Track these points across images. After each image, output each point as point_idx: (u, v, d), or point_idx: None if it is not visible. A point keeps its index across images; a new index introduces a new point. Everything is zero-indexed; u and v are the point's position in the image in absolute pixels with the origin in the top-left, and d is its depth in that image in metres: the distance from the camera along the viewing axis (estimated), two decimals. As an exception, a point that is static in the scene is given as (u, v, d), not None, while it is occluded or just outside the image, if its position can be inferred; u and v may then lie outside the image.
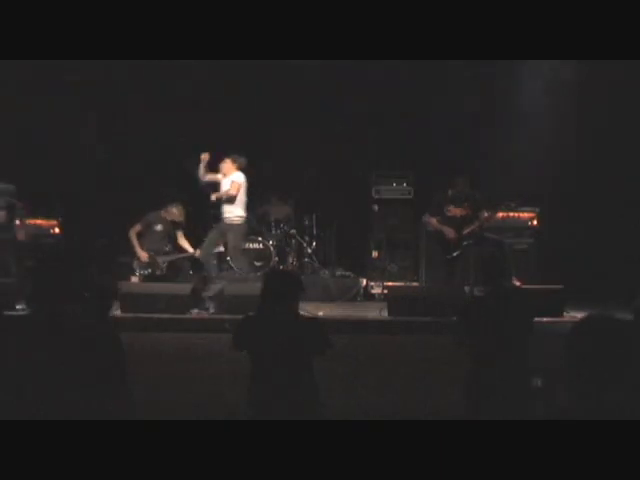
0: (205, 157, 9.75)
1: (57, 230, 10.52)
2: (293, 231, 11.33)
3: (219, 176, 9.89)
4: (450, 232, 9.33)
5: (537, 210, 10.48)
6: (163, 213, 10.08)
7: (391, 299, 9.36)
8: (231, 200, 9.73)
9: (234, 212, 9.78)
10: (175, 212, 10.07)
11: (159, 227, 10.07)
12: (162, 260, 9.99)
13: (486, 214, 9.46)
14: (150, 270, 9.96)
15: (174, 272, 10.03)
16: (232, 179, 9.76)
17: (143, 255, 9.93)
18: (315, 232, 11.49)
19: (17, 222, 10.25)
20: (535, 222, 10.45)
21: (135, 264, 9.94)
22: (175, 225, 10.15)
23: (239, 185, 9.72)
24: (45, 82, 10.78)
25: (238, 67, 10.75)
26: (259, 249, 10.95)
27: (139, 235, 10.04)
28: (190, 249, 10.13)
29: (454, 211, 9.40)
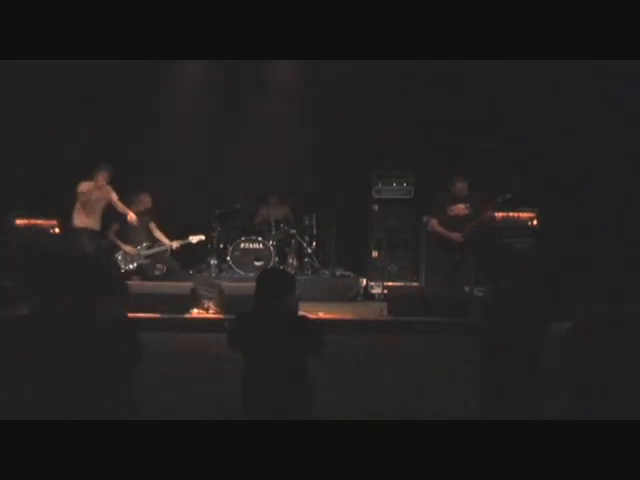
0: None
1: (57, 230, 10.52)
2: (293, 231, 11.33)
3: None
4: (457, 237, 9.32)
5: (537, 210, 10.49)
6: (133, 207, 10.14)
7: (391, 299, 9.36)
8: None
9: None
10: (141, 199, 10.15)
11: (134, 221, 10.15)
12: (144, 254, 10.08)
13: (487, 212, 9.48)
14: (135, 264, 10.05)
15: (167, 272, 10.09)
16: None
17: (130, 250, 10.08)
18: (315, 232, 11.49)
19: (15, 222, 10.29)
20: (535, 222, 10.46)
21: (119, 260, 10.01)
22: (148, 217, 10.22)
23: None
24: (45, 81, 10.78)
25: (238, 66, 10.78)
26: (259, 249, 10.96)
27: (118, 233, 10.17)
28: (166, 241, 10.21)
29: (456, 210, 9.41)
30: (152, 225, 10.28)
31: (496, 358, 4.65)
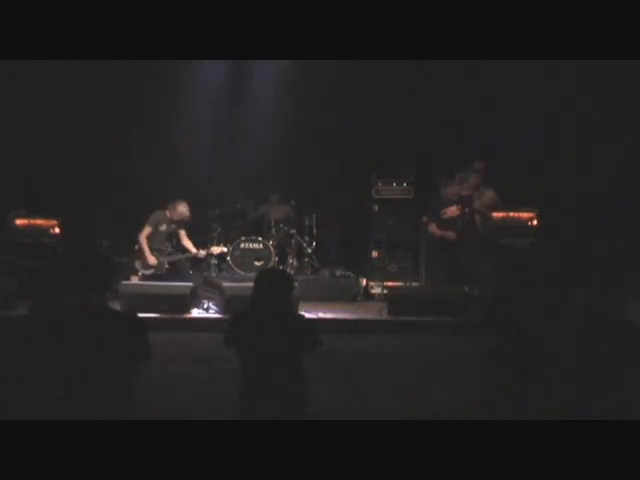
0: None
1: (57, 230, 10.51)
2: (293, 231, 11.33)
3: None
4: (451, 235, 9.34)
5: (537, 210, 10.49)
6: (169, 213, 9.94)
7: (391, 299, 9.36)
8: None
9: None
10: (181, 210, 9.94)
11: (163, 227, 9.97)
12: (164, 260, 9.94)
13: (481, 208, 9.51)
14: (153, 271, 9.91)
15: (174, 272, 10.00)
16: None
17: (152, 260, 9.81)
18: (315, 232, 11.49)
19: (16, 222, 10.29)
20: (535, 222, 10.46)
21: (137, 264, 9.90)
22: (179, 224, 10.03)
23: None
24: (46, 81, 10.78)
25: (239, 66, 10.79)
26: (259, 249, 10.95)
27: (149, 237, 9.89)
28: (193, 249, 10.01)
29: (449, 212, 9.45)
30: (182, 233, 10.07)
31: (500, 356, 4.65)
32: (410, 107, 11.15)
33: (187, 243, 10.11)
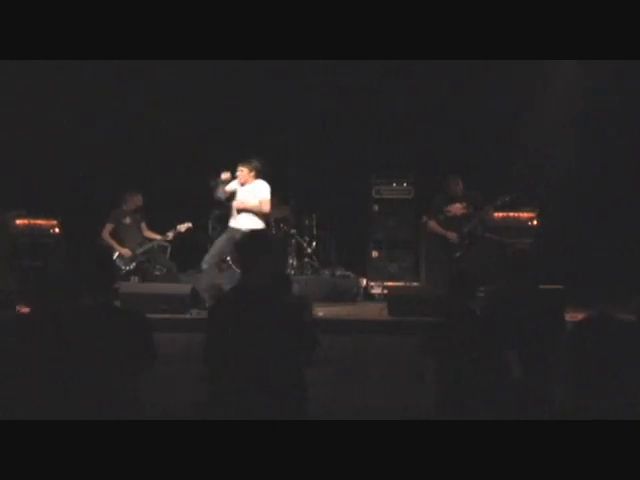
0: (226, 177, 9.19)
1: (57, 230, 10.53)
2: (293, 231, 11.33)
3: (235, 186, 9.31)
4: (453, 236, 9.32)
5: (537, 210, 10.49)
6: (125, 206, 10.19)
7: (391, 299, 9.36)
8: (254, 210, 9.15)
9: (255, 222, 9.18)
10: (132, 199, 10.17)
11: (127, 220, 10.20)
12: (138, 251, 10.09)
13: (486, 212, 9.47)
14: (133, 264, 10.04)
15: (166, 274, 10.09)
16: (259, 191, 9.19)
17: (125, 251, 10.06)
18: (315, 232, 11.49)
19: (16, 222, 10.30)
20: (535, 222, 10.47)
21: (117, 262, 10.00)
22: (140, 216, 10.25)
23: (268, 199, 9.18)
24: (46, 81, 10.77)
25: (237, 66, 10.75)
26: (259, 249, 10.92)
27: (112, 234, 10.16)
28: (158, 236, 10.23)
29: (453, 210, 9.41)
30: (142, 225, 10.32)
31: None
32: (411, 107, 11.14)
33: (149, 234, 10.33)
